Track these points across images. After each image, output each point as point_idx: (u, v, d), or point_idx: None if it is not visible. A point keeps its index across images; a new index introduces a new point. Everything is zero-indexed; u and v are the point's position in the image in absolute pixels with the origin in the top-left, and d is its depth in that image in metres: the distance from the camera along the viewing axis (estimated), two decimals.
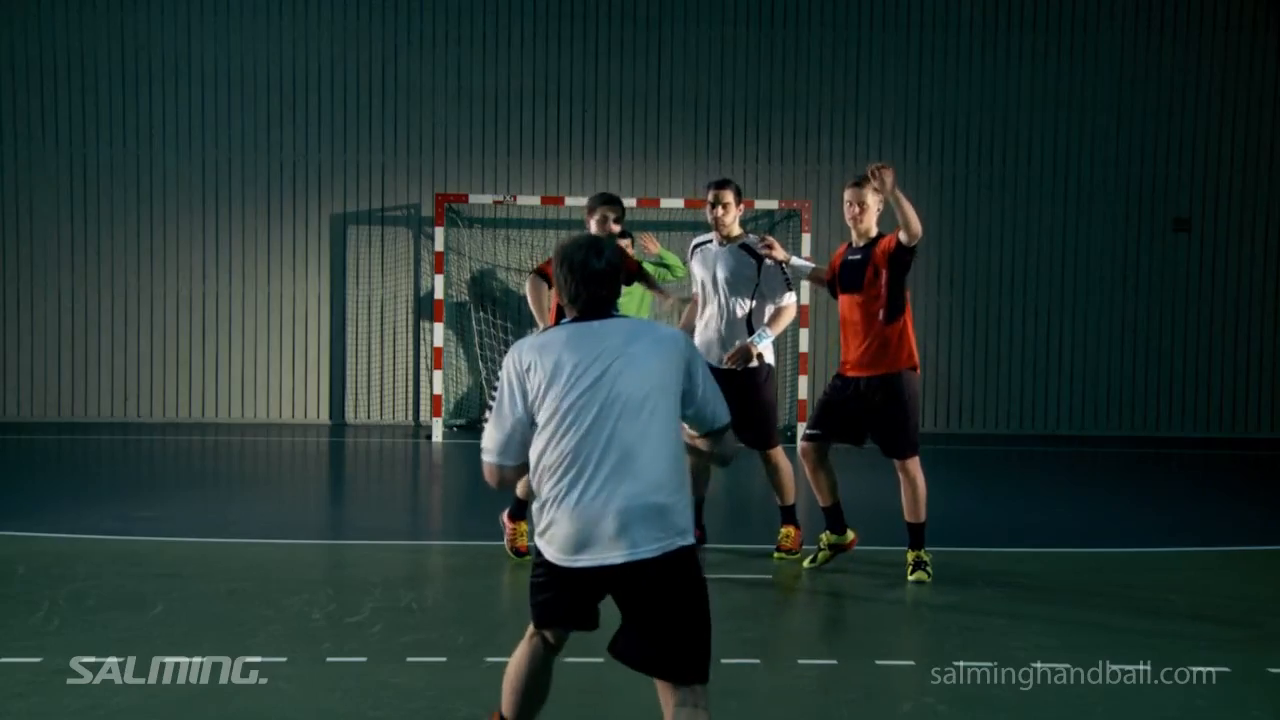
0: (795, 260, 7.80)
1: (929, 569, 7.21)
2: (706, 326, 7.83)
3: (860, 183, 7.20)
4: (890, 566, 7.43)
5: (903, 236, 6.99)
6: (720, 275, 7.74)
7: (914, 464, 7.21)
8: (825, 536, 7.49)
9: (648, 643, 3.85)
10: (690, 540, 3.91)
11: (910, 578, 7.15)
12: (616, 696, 5.13)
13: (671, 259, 13.14)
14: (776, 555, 7.78)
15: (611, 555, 3.82)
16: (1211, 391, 16.02)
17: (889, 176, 6.89)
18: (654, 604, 3.84)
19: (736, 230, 7.81)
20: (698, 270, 7.94)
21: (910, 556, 7.28)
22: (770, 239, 7.75)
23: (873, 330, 7.15)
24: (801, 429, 14.52)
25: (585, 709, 4.89)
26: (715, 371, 7.49)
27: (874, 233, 7.28)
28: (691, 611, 3.86)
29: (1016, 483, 12.09)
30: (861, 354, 7.20)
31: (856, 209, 7.24)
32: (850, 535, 7.49)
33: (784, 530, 7.81)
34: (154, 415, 15.36)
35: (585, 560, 3.84)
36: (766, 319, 7.68)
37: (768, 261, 7.65)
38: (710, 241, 7.89)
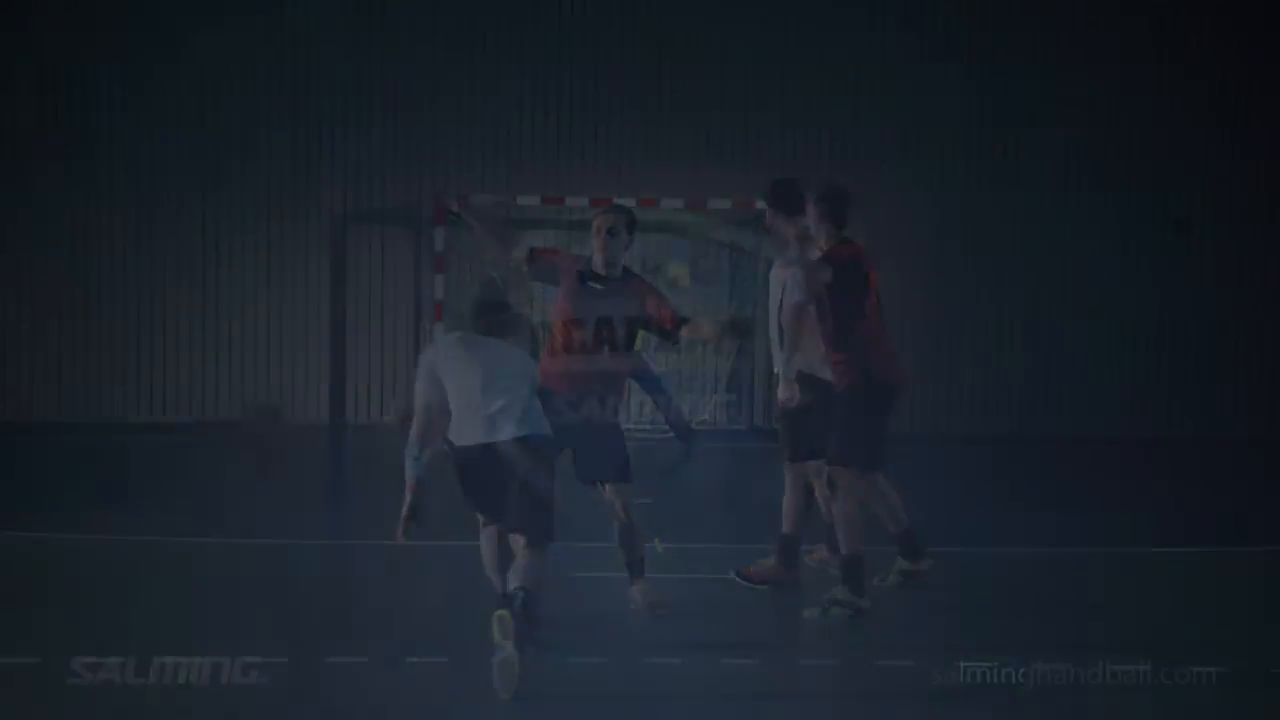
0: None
1: (836, 607, 6.29)
2: None
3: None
4: (888, 568, 7.40)
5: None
6: None
7: (846, 475, 6.39)
8: (899, 563, 6.95)
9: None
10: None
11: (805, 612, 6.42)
12: (617, 697, 5.13)
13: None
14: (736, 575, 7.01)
15: None
16: (1212, 391, 15.99)
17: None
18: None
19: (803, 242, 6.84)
20: None
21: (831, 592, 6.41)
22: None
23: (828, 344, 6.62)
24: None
25: (585, 707, 4.89)
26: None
27: (825, 248, 6.53)
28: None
29: (1016, 483, 12.08)
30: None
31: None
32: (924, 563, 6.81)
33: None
34: (153, 415, 15.33)
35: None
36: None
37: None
38: None
